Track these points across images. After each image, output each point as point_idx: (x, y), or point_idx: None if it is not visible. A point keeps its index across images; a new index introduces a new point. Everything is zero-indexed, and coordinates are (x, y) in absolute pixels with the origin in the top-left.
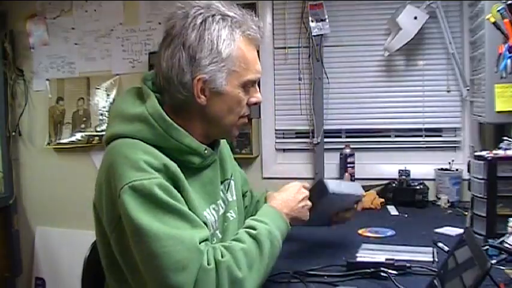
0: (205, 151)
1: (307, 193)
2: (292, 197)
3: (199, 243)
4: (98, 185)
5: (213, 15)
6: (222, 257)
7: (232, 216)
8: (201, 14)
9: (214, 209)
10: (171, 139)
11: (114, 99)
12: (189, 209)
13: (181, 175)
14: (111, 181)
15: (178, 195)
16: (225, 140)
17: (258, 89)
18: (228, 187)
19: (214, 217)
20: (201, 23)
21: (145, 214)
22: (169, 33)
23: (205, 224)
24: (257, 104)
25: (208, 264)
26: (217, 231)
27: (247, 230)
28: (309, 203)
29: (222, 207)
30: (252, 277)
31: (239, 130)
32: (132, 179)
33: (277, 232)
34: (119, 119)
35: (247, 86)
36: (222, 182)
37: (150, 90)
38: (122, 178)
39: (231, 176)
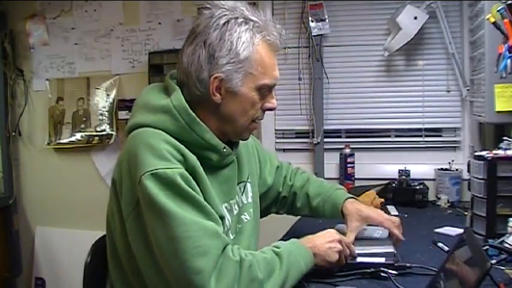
0: (224, 149)
1: (338, 237)
2: (318, 236)
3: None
4: (119, 166)
5: (236, 18)
6: (246, 256)
7: (246, 219)
8: (225, 15)
9: (226, 207)
10: (193, 133)
11: (115, 99)
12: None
13: (200, 168)
14: (131, 167)
15: (197, 187)
16: (246, 142)
17: (274, 95)
18: (244, 189)
19: (227, 216)
20: (224, 24)
21: (169, 200)
22: (193, 31)
23: (222, 218)
24: (272, 110)
25: (233, 255)
26: (230, 232)
27: (271, 247)
28: (339, 246)
29: (236, 209)
30: (270, 284)
31: (250, 134)
32: (155, 167)
33: (300, 257)
34: (143, 110)
35: (263, 90)
36: (237, 184)
37: (175, 85)
38: (144, 165)
39: (248, 179)
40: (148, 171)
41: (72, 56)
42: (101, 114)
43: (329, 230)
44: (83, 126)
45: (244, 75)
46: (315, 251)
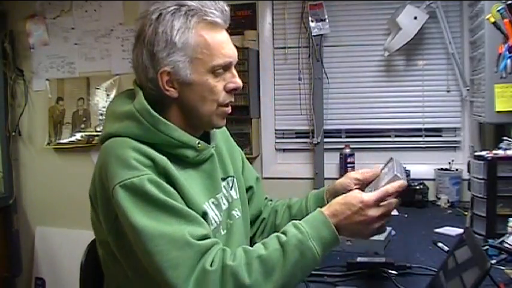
0: (199, 144)
1: (372, 201)
2: (342, 203)
3: (198, 240)
4: (93, 182)
5: (167, 8)
6: (233, 261)
7: (237, 215)
8: (157, 8)
9: (213, 203)
10: (160, 133)
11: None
12: (186, 204)
13: (173, 170)
14: (103, 181)
15: (171, 190)
16: (229, 142)
17: (235, 74)
18: (232, 184)
19: (214, 211)
20: (157, 18)
21: (139, 212)
22: (136, 33)
23: (204, 215)
24: (236, 90)
25: (211, 265)
26: (221, 228)
27: (278, 234)
28: (370, 213)
29: (225, 203)
30: (268, 286)
31: (223, 119)
32: (122, 178)
33: (314, 243)
34: (110, 119)
35: (217, 71)
36: (224, 179)
37: (139, 89)
38: (113, 178)
39: (234, 174)
40: (117, 184)
41: (72, 56)
42: (101, 114)
43: (353, 192)
44: (83, 126)
45: (190, 62)
46: (344, 227)
